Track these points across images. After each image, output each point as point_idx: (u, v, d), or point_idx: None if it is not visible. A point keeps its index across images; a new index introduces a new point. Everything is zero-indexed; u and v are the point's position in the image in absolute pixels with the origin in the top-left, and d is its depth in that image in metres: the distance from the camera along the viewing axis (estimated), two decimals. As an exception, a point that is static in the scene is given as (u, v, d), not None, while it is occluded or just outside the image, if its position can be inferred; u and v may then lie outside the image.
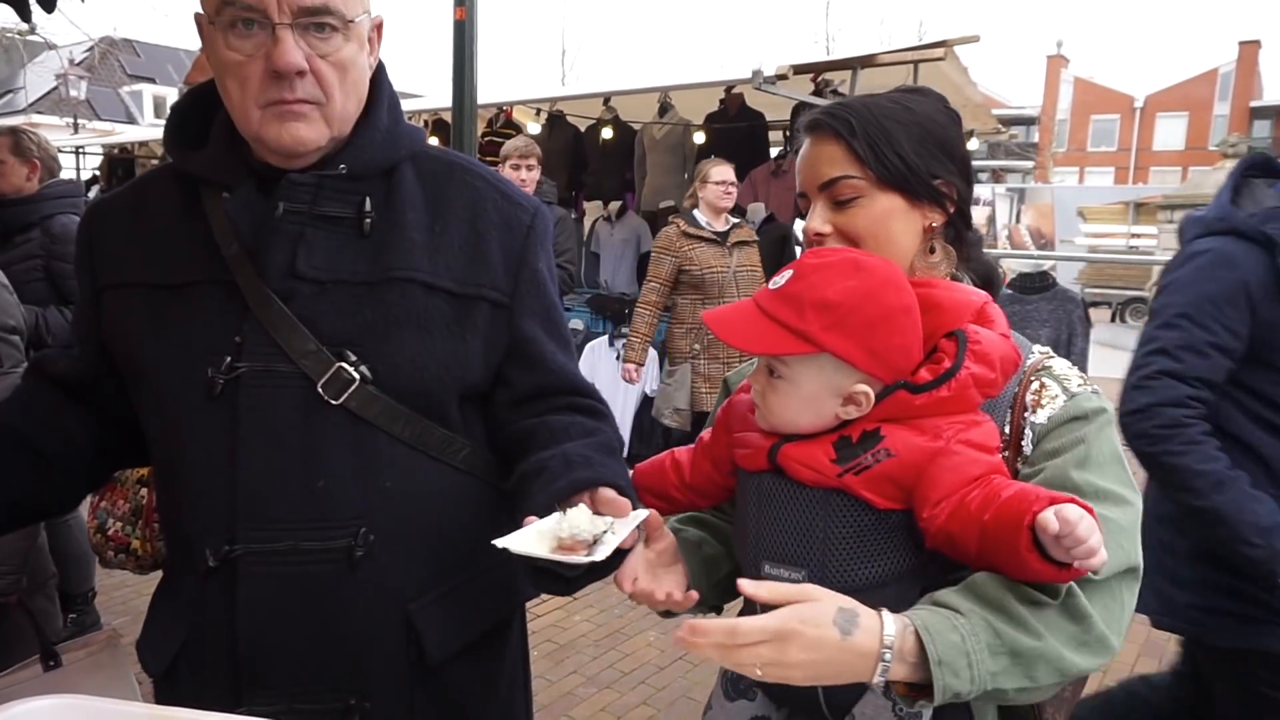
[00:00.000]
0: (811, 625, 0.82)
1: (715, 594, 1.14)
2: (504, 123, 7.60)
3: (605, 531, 0.95)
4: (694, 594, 1.04)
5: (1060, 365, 1.05)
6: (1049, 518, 0.80)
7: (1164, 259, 10.96)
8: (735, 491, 1.09)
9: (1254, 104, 40.02)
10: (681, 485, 1.14)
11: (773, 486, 0.99)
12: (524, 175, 4.63)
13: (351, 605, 1.08)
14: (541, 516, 0.97)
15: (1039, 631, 0.87)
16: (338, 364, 1.04)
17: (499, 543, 0.91)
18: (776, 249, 6.47)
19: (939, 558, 0.97)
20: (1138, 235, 18.06)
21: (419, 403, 1.10)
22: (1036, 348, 1.07)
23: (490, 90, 7.72)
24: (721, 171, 4.54)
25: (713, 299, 4.30)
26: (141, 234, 1.14)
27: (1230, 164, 14.07)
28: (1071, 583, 0.89)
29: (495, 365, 1.17)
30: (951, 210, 1.08)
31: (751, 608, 0.96)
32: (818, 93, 5.77)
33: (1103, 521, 0.84)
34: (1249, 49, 40.62)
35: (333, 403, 1.04)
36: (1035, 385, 1.02)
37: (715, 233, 4.40)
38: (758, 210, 6.28)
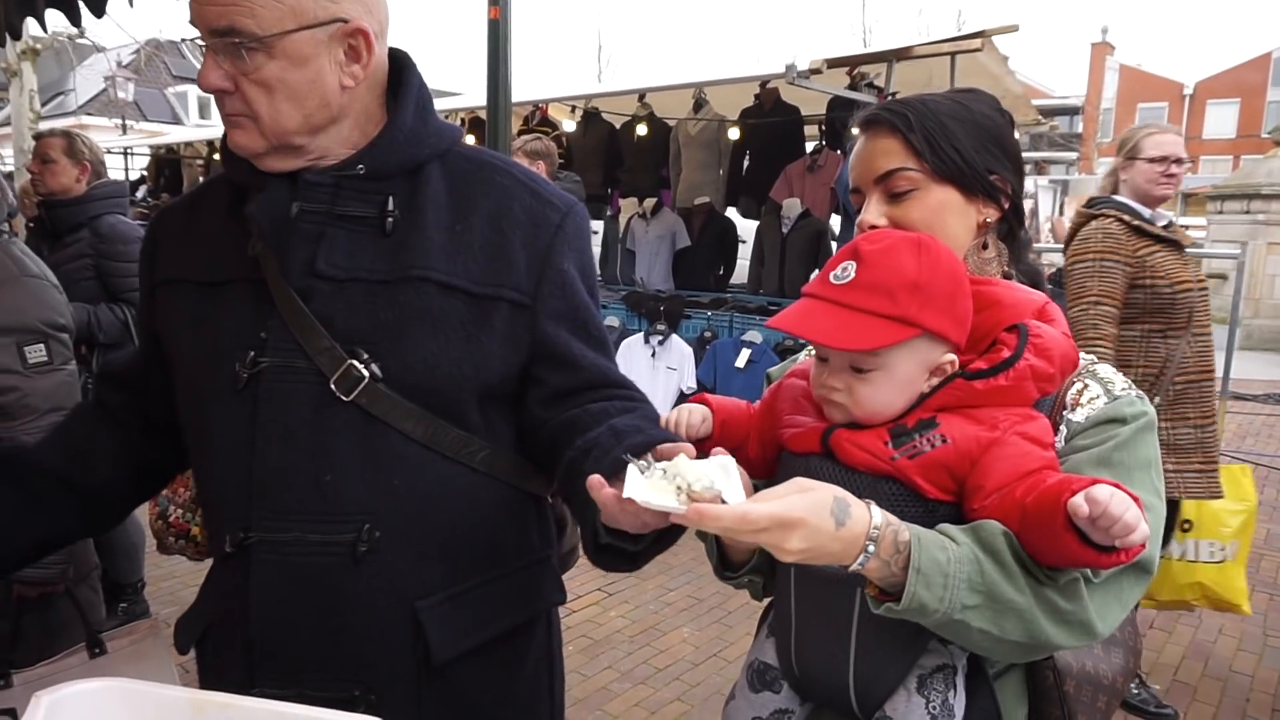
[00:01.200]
0: (813, 515, 0.82)
1: (766, 563, 1.14)
2: (540, 120, 7.63)
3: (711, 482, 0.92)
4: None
5: (1106, 370, 1.04)
6: (1078, 502, 0.78)
7: (1215, 251, 10.71)
8: (777, 472, 1.08)
9: (1309, 90, 38.72)
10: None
11: (820, 468, 0.99)
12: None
13: (356, 599, 1.09)
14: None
15: (1023, 589, 0.87)
16: (349, 361, 1.06)
17: (627, 494, 0.85)
18: (812, 245, 6.44)
19: None
20: (1186, 227, 17.63)
21: (432, 402, 1.10)
22: (1083, 354, 1.06)
23: (526, 88, 7.77)
24: (1164, 143, 2.87)
25: (1177, 331, 2.79)
26: (194, 234, 1.20)
27: (1284, 151, 13.60)
28: (1076, 574, 0.89)
29: (518, 367, 1.16)
30: (1006, 206, 1.08)
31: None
32: (853, 86, 5.70)
33: None
34: (1304, 33, 39.21)
35: (344, 399, 1.06)
36: (1079, 385, 1.01)
37: (1163, 230, 2.83)
38: (793, 205, 6.24)
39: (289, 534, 1.08)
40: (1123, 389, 1.00)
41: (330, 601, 1.09)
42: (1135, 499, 0.78)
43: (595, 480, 0.90)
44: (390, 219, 1.10)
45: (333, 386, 1.06)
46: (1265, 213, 12.68)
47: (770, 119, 6.58)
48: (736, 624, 3.64)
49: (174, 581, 3.76)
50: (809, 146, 6.65)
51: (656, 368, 5.40)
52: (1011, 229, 1.11)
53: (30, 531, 1.23)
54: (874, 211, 1.05)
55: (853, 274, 0.96)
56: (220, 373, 1.10)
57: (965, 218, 1.06)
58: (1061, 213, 23.35)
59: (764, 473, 1.12)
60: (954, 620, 0.86)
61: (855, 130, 1.13)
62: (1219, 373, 5.12)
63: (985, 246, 1.10)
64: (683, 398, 5.68)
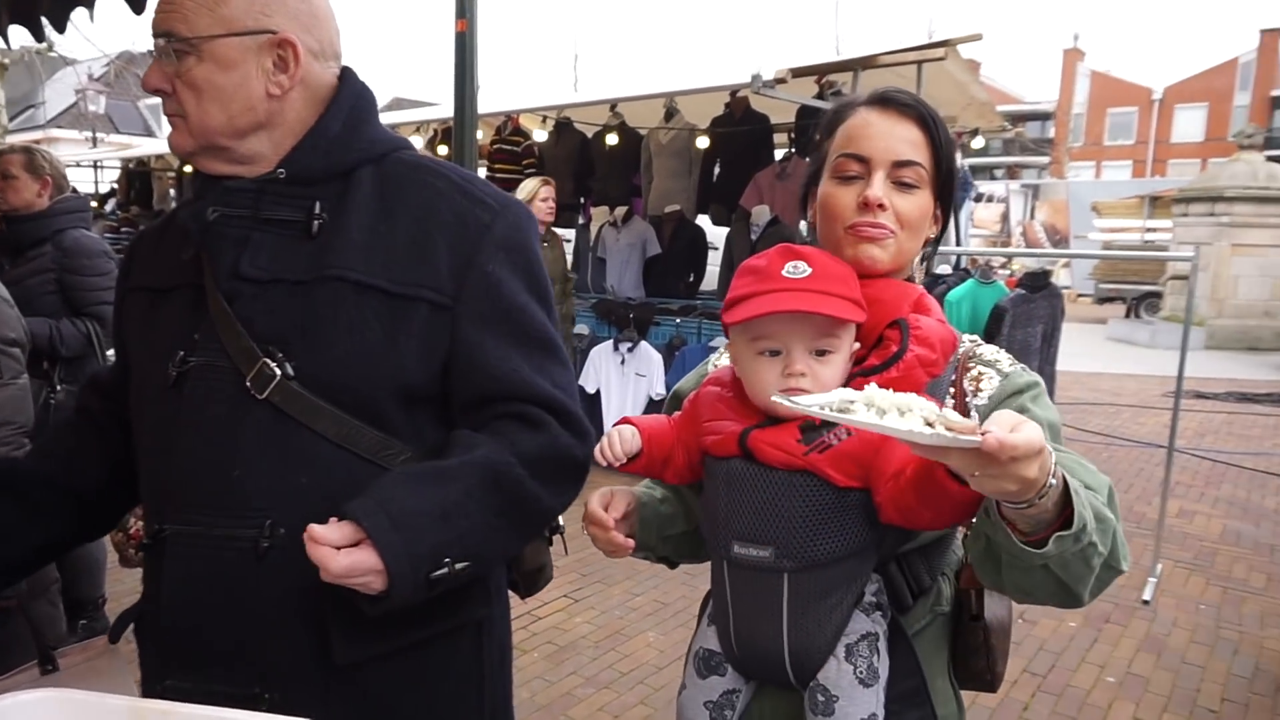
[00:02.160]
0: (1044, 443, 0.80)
1: (666, 547, 1.27)
2: (512, 130, 7.68)
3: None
4: (631, 542, 1.16)
5: (988, 350, 1.13)
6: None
7: (1171, 254, 10.80)
8: (704, 477, 1.15)
9: (1275, 93, 39.41)
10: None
11: (741, 471, 1.06)
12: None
13: (260, 595, 1.11)
14: None
15: (1108, 508, 0.94)
16: (262, 360, 1.10)
17: (900, 433, 0.80)
18: (781, 251, 6.51)
19: (893, 532, 1.05)
20: (1153, 229, 17.93)
21: (347, 401, 1.11)
22: (966, 338, 1.14)
23: (499, 98, 7.82)
24: None
25: None
26: (161, 246, 1.27)
27: (1247, 155, 13.89)
28: (1103, 507, 0.94)
29: (439, 369, 1.16)
30: (938, 229, 1.17)
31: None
32: (820, 95, 5.79)
33: (1064, 456, 0.93)
34: (1270, 37, 40.01)
35: (258, 397, 1.09)
36: (974, 371, 1.10)
37: None
38: (763, 213, 6.31)
39: (197, 527, 1.11)
40: (1009, 365, 1.10)
41: (235, 596, 1.11)
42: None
43: (313, 531, 0.98)
44: (317, 222, 1.14)
45: (248, 384, 1.10)
46: (1229, 215, 12.93)
47: (740, 127, 6.65)
48: (703, 627, 3.68)
49: (136, 596, 3.75)
50: (778, 154, 6.74)
51: (626, 375, 5.45)
52: (934, 249, 1.19)
53: (30, 540, 1.26)
54: (883, 189, 1.08)
55: (809, 270, 1.03)
56: (158, 372, 1.15)
57: (928, 227, 1.14)
58: (1033, 216, 23.68)
59: (692, 478, 1.17)
60: (1090, 543, 0.87)
61: (857, 104, 1.14)
62: (1174, 371, 5.22)
63: (925, 260, 1.18)
64: (652, 404, 5.72)
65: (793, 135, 6.58)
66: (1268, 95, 39.35)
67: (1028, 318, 5.31)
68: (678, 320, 6.19)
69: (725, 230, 6.91)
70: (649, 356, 5.81)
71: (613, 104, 7.12)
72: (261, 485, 1.10)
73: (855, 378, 1.04)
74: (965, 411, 1.06)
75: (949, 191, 1.14)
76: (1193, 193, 13.62)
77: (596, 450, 1.15)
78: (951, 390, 1.10)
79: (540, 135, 7.57)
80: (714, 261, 7.44)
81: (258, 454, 1.10)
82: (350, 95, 1.21)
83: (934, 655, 1.16)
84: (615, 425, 1.16)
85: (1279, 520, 5.26)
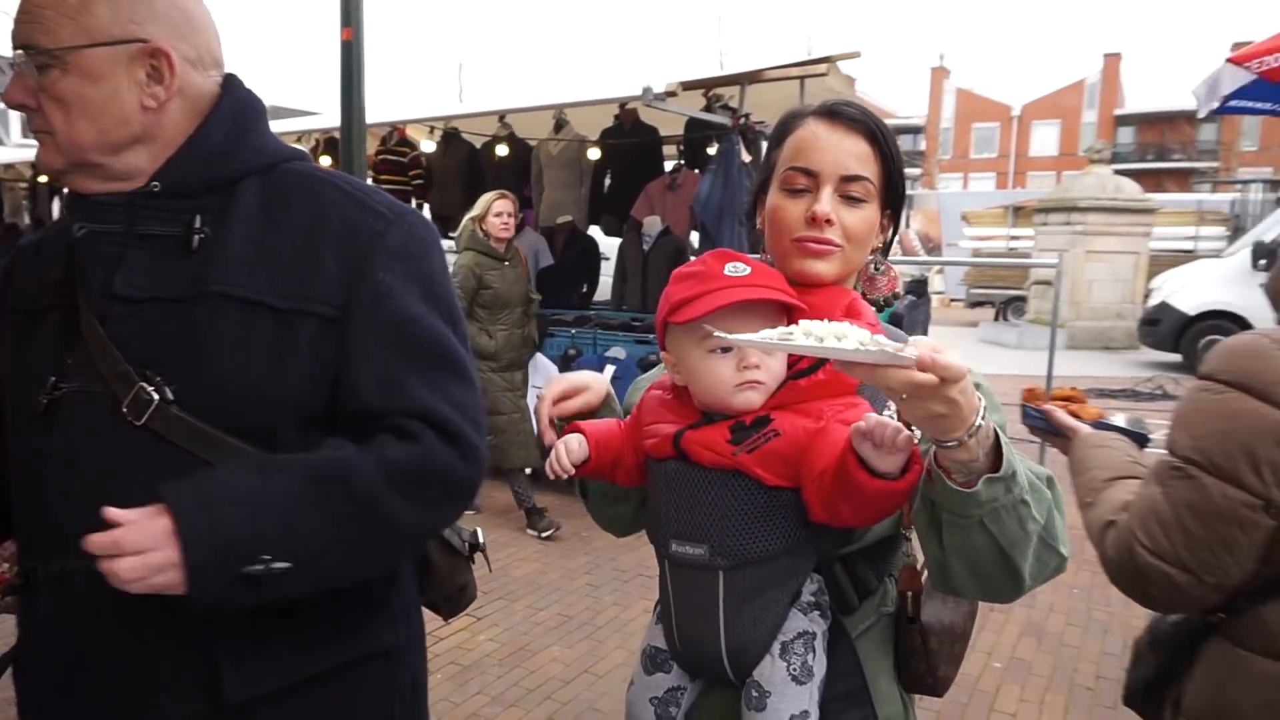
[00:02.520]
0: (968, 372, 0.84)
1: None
2: (398, 141, 7.52)
3: None
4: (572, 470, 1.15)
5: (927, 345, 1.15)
6: (856, 428, 0.89)
7: (1037, 261, 11.49)
8: (649, 478, 1.16)
9: (1118, 112, 42.58)
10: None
11: (677, 471, 1.09)
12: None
13: (142, 635, 1.04)
14: None
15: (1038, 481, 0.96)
16: (139, 384, 1.03)
17: (839, 357, 0.82)
18: (673, 262, 6.58)
19: (832, 532, 1.07)
20: (1017, 237, 19.02)
21: (236, 425, 1.05)
22: (911, 340, 1.16)
23: (384, 108, 7.63)
24: None
25: None
26: (34, 265, 1.18)
27: (1097, 169, 14.86)
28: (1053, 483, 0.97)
29: (332, 386, 1.10)
30: (885, 238, 1.20)
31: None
32: (708, 108, 5.91)
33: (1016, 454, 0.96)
34: (1112, 61, 43.24)
35: (135, 424, 1.03)
36: None
37: None
38: (654, 223, 6.38)
39: (74, 565, 1.02)
40: None
41: (116, 637, 1.05)
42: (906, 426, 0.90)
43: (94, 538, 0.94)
44: (197, 237, 1.08)
45: (124, 410, 1.03)
46: (1083, 224, 13.83)
47: (630, 139, 6.71)
48: (606, 639, 3.68)
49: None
50: (668, 166, 6.82)
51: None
52: (884, 255, 1.23)
53: None
54: (830, 204, 1.10)
55: (747, 269, 1.07)
56: (28, 400, 1.08)
57: (874, 238, 1.16)
58: (909, 225, 24.73)
59: (641, 479, 1.19)
60: (1022, 500, 0.91)
61: (804, 115, 1.15)
62: (1043, 370, 5.54)
63: (878, 267, 1.21)
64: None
65: (682, 147, 6.68)
66: (1112, 114, 42.43)
67: (913, 322, 5.63)
68: (573, 331, 6.18)
69: (618, 241, 6.96)
70: (545, 368, 5.77)
71: (501, 115, 7.07)
72: None
73: (788, 382, 1.06)
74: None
75: (898, 201, 1.17)
76: (1051, 203, 14.52)
77: (546, 465, 1.15)
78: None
79: (428, 146, 7.45)
80: (607, 272, 7.48)
81: (137, 485, 1.01)
82: (233, 104, 1.16)
83: (878, 656, 1.17)
84: (564, 435, 1.17)
85: (1138, 507, 5.65)
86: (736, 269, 1.07)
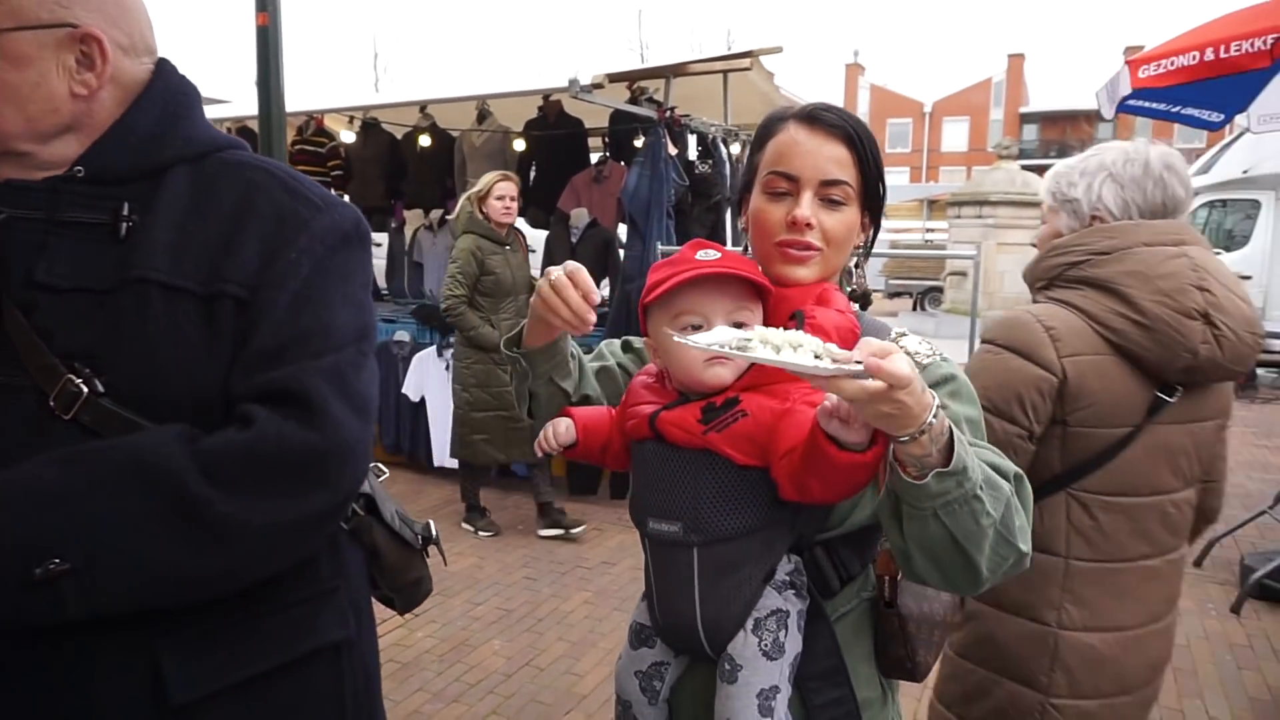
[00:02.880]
0: (917, 377, 0.86)
1: (540, 385, 1.24)
2: (315, 130, 7.32)
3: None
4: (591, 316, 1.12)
5: (912, 342, 1.18)
6: (822, 406, 0.91)
7: (955, 253, 11.85)
8: (631, 460, 1.19)
9: (1023, 110, 44.25)
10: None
11: (653, 451, 1.12)
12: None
13: (80, 641, 1.01)
14: None
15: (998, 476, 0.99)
16: (66, 376, 0.99)
17: (795, 364, 0.84)
18: (601, 254, 6.58)
19: (808, 514, 1.09)
20: (932, 230, 19.63)
21: (169, 415, 1.01)
22: (895, 328, 1.20)
23: (301, 97, 7.41)
24: None
25: None
26: None
27: (1005, 164, 15.38)
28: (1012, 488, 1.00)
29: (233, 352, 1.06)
30: (866, 237, 1.23)
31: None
32: (634, 100, 5.91)
33: (989, 451, 1.03)
34: (1016, 61, 44.89)
35: (64, 418, 0.99)
36: None
37: None
38: (581, 215, 6.35)
39: None
40: (928, 356, 1.16)
41: (52, 637, 1.00)
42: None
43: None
44: (125, 225, 1.04)
45: (51, 404, 0.99)
46: (994, 217, 14.32)
47: (555, 131, 6.67)
48: (546, 631, 3.66)
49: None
50: (594, 158, 6.81)
51: (450, 381, 5.31)
52: (858, 261, 1.27)
53: None
54: (810, 208, 1.13)
55: (717, 254, 1.10)
56: None
57: (854, 240, 1.19)
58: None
59: (629, 464, 1.20)
60: (975, 495, 0.93)
61: (786, 118, 1.18)
62: (963, 357, 5.69)
63: (859, 265, 1.26)
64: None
65: (607, 139, 6.67)
66: (1017, 111, 44.04)
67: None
68: (502, 324, 6.11)
69: (544, 233, 6.91)
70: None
71: (423, 105, 6.95)
72: None
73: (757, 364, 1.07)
74: None
75: (877, 203, 1.20)
76: (963, 197, 14.98)
77: (535, 443, 1.17)
78: None
79: (348, 136, 7.27)
80: (533, 264, 7.42)
81: None
82: (164, 90, 1.12)
83: (857, 640, 1.19)
84: (555, 418, 1.20)
85: (1052, 487, 5.89)
86: (707, 255, 1.11)
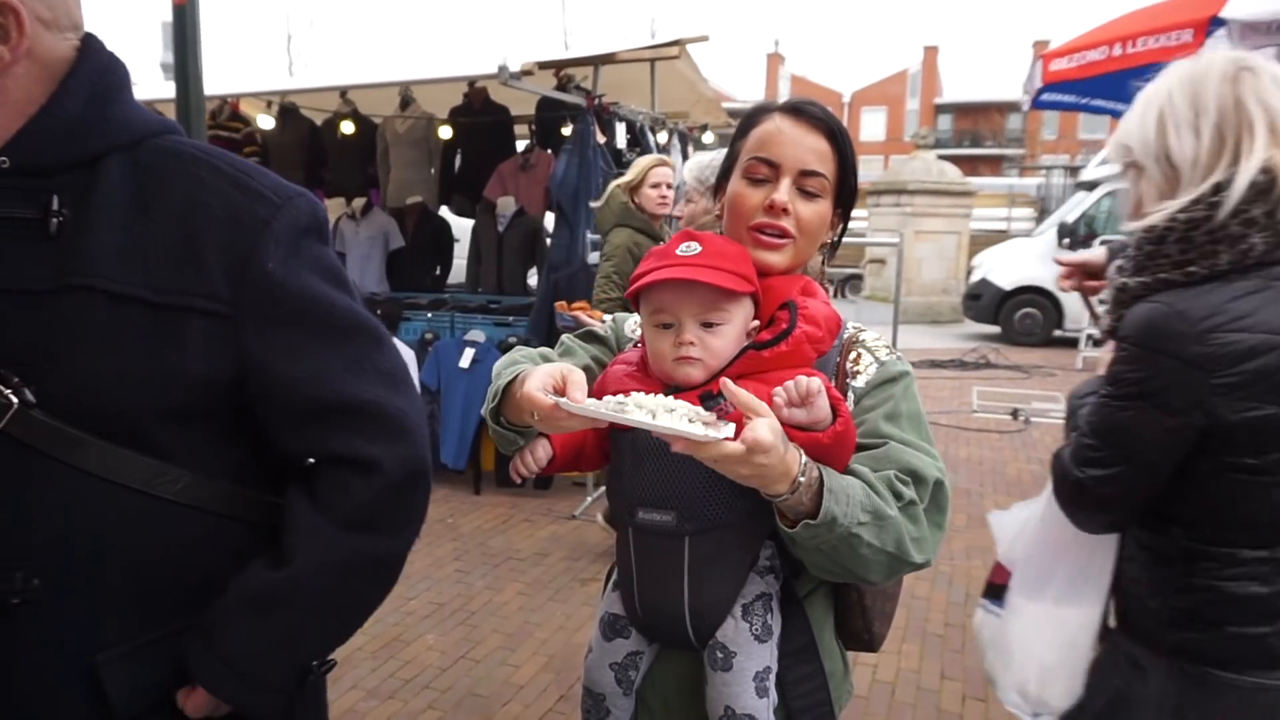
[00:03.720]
0: (779, 440, 0.94)
1: None
2: (230, 115, 7.06)
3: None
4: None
5: (870, 337, 1.23)
6: (774, 394, 0.99)
7: (876, 240, 12.11)
8: (610, 450, 1.20)
9: (937, 101, 45.44)
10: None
11: (646, 440, 1.10)
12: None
13: (15, 658, 0.97)
14: None
15: (894, 508, 1.04)
16: None
17: (664, 428, 0.93)
18: (529, 242, 6.55)
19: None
20: (852, 218, 20.01)
21: (109, 428, 0.97)
22: (851, 323, 1.24)
23: (214, 80, 7.14)
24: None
25: None
26: None
27: (922, 154, 15.78)
28: (912, 498, 1.06)
29: (225, 383, 1.03)
30: (835, 235, 1.26)
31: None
32: (561, 88, 5.87)
33: (915, 456, 1.08)
34: (931, 52, 46.05)
35: None
36: (854, 355, 1.20)
37: None
38: (508, 204, 6.31)
39: None
40: (886, 354, 1.20)
41: None
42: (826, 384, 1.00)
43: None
44: (56, 220, 0.97)
45: None
46: (912, 205, 14.70)
47: (481, 118, 6.58)
48: (481, 624, 3.64)
49: None
50: (520, 145, 6.74)
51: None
52: (825, 259, 1.30)
53: None
54: (788, 194, 1.16)
55: (699, 249, 1.11)
56: None
57: (825, 235, 1.22)
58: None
59: (604, 461, 1.22)
60: (851, 534, 1.00)
61: (771, 109, 1.21)
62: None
63: (825, 262, 1.30)
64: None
65: (534, 127, 6.62)
66: (932, 102, 45.19)
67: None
68: (429, 315, 6.02)
69: (470, 222, 6.82)
70: (402, 353, 5.61)
71: (344, 90, 6.77)
72: (7, 534, 0.95)
73: (748, 350, 1.11)
74: (845, 390, 1.17)
75: (849, 200, 1.23)
76: (883, 186, 15.33)
77: (511, 468, 1.17)
78: (837, 369, 1.20)
79: (265, 121, 7.03)
80: (460, 254, 7.32)
81: None
82: (93, 70, 1.02)
83: (822, 615, 1.25)
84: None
85: (971, 468, 6.11)
86: (689, 248, 1.11)
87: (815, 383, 0.98)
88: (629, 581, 1.20)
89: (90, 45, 1.05)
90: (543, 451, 1.17)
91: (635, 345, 1.29)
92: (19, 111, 0.98)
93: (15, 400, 0.93)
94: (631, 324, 1.33)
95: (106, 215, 0.98)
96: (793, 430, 0.99)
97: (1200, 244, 1.24)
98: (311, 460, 1.10)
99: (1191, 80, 1.28)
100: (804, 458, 0.98)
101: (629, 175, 4.26)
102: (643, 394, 0.97)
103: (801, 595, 1.21)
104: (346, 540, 1.05)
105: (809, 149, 1.17)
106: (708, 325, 1.11)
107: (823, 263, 1.30)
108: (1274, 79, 1.25)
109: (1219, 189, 1.22)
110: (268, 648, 1.05)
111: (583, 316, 4.00)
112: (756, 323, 1.16)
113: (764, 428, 0.92)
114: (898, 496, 1.05)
